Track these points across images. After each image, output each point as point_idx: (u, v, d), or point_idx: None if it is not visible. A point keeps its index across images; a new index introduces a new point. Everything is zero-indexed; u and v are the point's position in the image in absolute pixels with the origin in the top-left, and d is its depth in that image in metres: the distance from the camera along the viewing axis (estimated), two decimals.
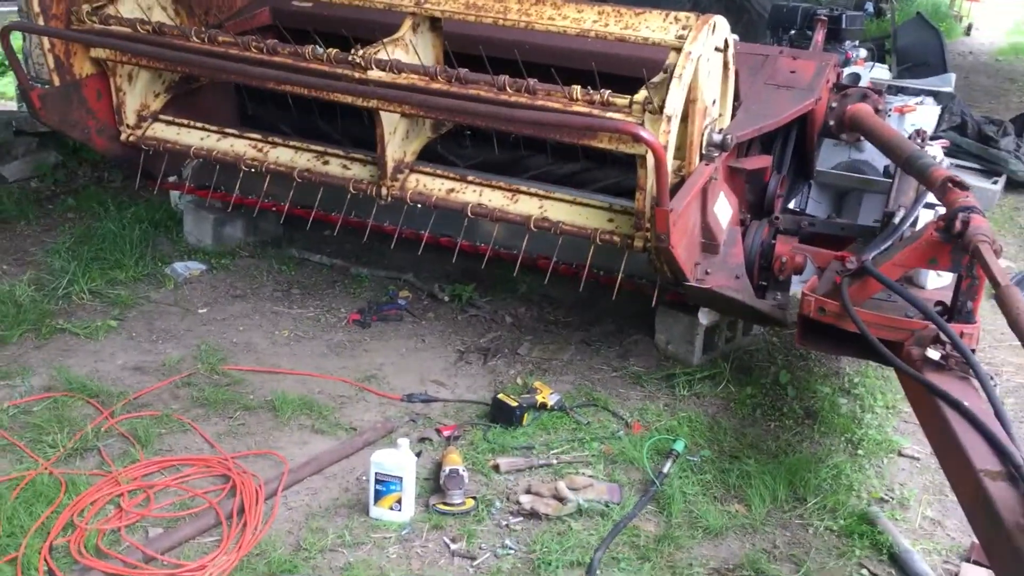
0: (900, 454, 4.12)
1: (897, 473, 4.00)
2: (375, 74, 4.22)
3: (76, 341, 4.57)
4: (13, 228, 5.92)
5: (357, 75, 4.24)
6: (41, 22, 4.67)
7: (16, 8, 10.24)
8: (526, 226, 4.29)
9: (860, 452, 4.06)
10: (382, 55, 4.23)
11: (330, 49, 4.34)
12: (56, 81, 4.81)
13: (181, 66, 4.81)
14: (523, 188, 4.44)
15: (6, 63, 8.26)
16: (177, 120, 5.10)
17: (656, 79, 3.84)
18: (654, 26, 3.93)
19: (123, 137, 5.06)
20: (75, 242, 5.52)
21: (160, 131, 5.08)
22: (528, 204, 4.36)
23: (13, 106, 9.87)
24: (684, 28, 3.84)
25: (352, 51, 4.28)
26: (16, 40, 4.99)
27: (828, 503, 3.68)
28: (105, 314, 4.83)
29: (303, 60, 4.37)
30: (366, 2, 4.46)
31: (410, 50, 4.34)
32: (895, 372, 3.58)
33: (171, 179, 5.44)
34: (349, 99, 4.34)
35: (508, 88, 4.03)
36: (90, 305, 4.93)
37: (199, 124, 5.05)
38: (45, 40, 4.74)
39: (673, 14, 3.93)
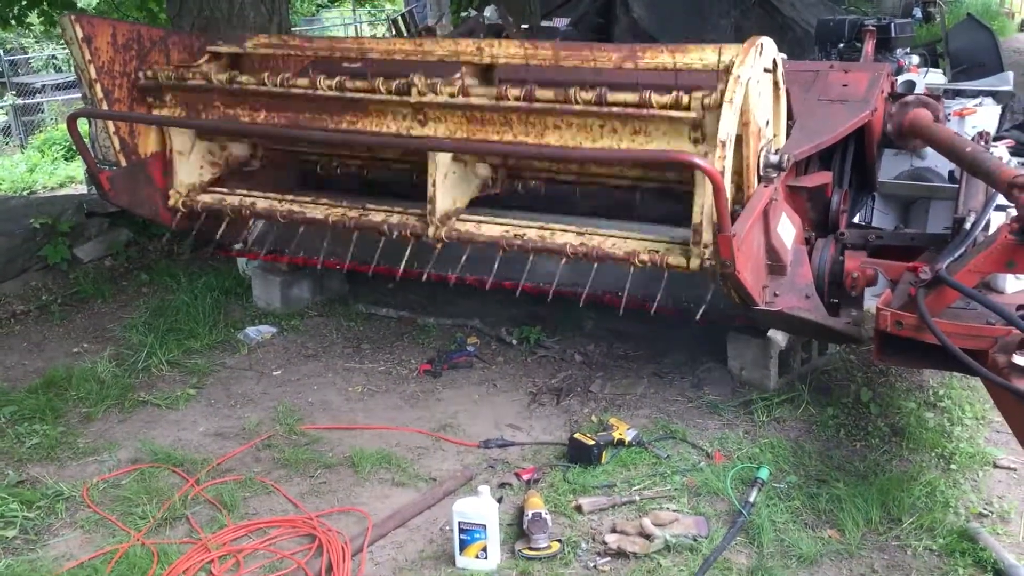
0: (995, 466, 3.98)
1: (994, 486, 3.86)
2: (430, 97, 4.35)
3: (158, 412, 4.68)
4: (91, 307, 6.12)
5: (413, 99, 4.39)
6: (105, 107, 4.85)
7: (80, 95, 10.66)
8: (564, 256, 4.29)
9: (953, 467, 3.94)
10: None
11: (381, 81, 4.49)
12: (123, 162, 4.97)
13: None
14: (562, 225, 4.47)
15: (75, 148, 8.58)
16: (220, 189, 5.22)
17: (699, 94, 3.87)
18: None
19: (171, 203, 5.11)
20: (151, 315, 5.68)
21: (206, 198, 5.16)
22: (566, 236, 4.37)
23: (84, 189, 10.27)
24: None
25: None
26: (82, 125, 5.17)
27: (925, 522, 3.56)
28: (184, 383, 4.94)
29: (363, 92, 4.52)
30: (422, 55, 4.54)
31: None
32: (982, 381, 3.47)
33: (236, 247, 5.57)
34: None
35: (579, 96, 4.08)
36: (169, 376, 5.05)
37: (242, 191, 5.16)
38: (110, 124, 4.92)
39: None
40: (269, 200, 5.02)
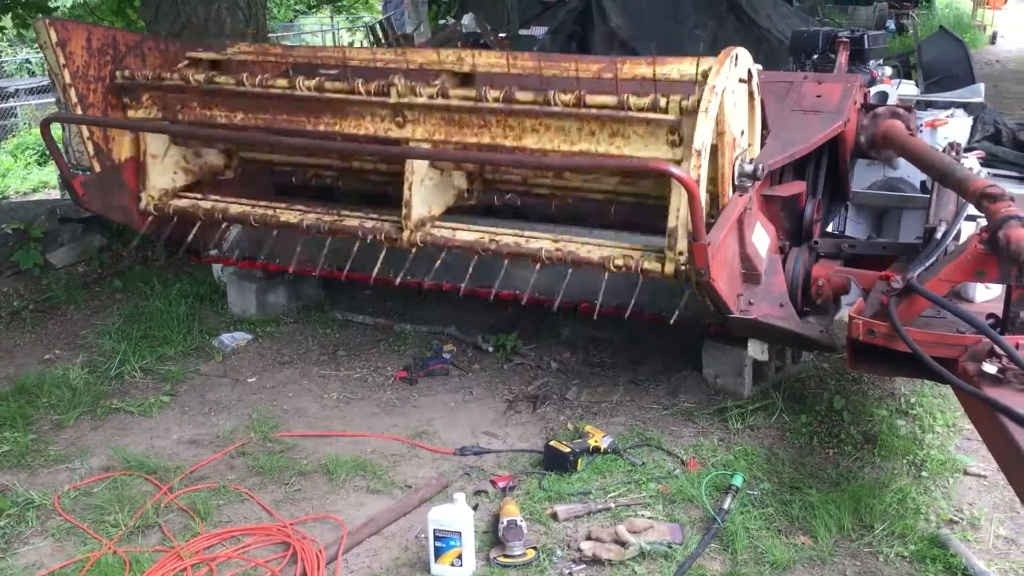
0: (966, 473, 4.02)
1: (965, 493, 3.90)
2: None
3: (131, 419, 4.64)
4: (64, 313, 6.06)
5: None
6: (79, 111, 4.81)
7: (54, 100, 10.55)
8: (539, 261, 4.30)
9: (924, 474, 3.97)
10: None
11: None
12: (96, 167, 4.93)
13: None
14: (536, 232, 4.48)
15: (48, 153, 8.50)
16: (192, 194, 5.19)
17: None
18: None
19: (142, 205, 5.07)
20: (124, 322, 5.63)
21: (179, 203, 5.12)
22: (541, 242, 4.38)
23: (56, 194, 10.18)
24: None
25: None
26: (56, 130, 5.13)
27: (896, 529, 3.59)
28: (157, 390, 4.90)
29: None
30: (403, 63, 4.55)
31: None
32: (952, 389, 3.51)
33: (212, 252, 5.54)
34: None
35: (558, 98, 4.09)
36: (142, 383, 5.01)
37: (215, 196, 5.13)
38: (84, 129, 4.88)
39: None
40: (242, 205, 4.99)
